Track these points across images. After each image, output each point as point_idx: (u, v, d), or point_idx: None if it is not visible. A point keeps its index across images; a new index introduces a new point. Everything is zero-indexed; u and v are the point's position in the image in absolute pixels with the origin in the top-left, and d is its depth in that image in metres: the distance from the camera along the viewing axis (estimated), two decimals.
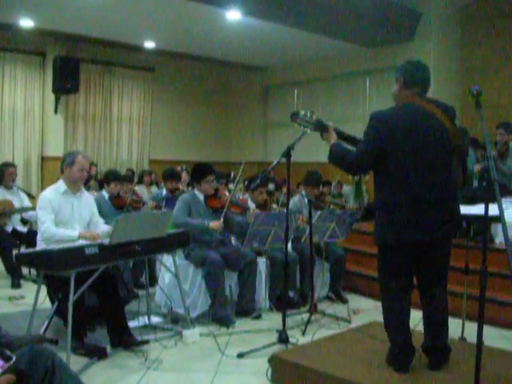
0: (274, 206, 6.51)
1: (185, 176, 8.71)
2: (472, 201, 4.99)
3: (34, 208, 6.76)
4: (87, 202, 4.94)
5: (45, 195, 4.68)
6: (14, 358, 2.30)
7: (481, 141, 7.43)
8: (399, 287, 3.54)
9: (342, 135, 3.83)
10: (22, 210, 7.03)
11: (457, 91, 10.52)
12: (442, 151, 3.41)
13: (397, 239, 3.42)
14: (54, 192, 4.70)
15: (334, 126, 3.85)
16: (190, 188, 7.05)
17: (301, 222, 5.96)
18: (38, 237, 4.69)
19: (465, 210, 4.43)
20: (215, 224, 5.33)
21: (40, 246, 4.59)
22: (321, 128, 3.85)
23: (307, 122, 3.89)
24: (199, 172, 5.65)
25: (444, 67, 10.51)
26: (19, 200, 7.13)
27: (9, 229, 6.91)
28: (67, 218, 4.68)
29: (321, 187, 6.68)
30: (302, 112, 3.90)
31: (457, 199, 3.55)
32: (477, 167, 6.82)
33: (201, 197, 5.60)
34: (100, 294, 4.50)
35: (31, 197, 7.51)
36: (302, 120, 3.90)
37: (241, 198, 6.44)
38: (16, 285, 6.51)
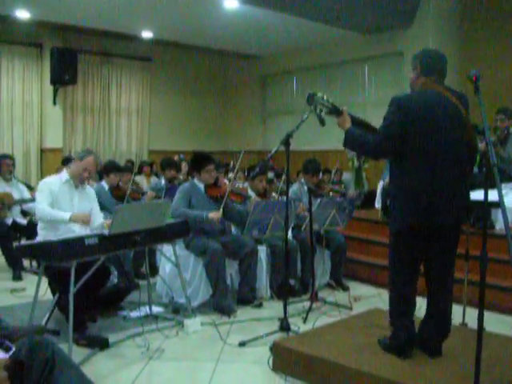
0: (274, 194, 6.50)
1: (184, 166, 8.71)
2: (472, 186, 4.98)
3: (33, 199, 6.79)
4: (88, 195, 5.04)
5: (45, 180, 4.90)
6: (13, 349, 2.30)
7: (480, 127, 7.40)
8: (411, 273, 3.58)
9: (355, 120, 3.81)
10: (22, 201, 7.03)
11: (456, 77, 10.47)
12: (458, 138, 3.44)
13: (416, 222, 3.43)
14: (56, 179, 4.88)
15: (348, 111, 3.83)
16: (189, 178, 7.04)
17: (301, 209, 5.95)
18: (38, 227, 4.76)
19: None
20: (214, 214, 5.31)
21: (40, 236, 4.64)
22: (335, 112, 3.82)
23: (323, 104, 3.84)
24: (199, 161, 5.64)
25: (444, 52, 10.44)
26: (19, 192, 7.13)
27: (9, 221, 6.91)
28: (65, 207, 4.75)
29: (320, 175, 6.67)
30: (319, 94, 3.85)
31: (468, 187, 3.58)
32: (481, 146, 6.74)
33: (201, 186, 5.59)
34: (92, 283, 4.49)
35: (31, 188, 7.51)
36: (317, 102, 3.85)
37: (241, 186, 6.43)
38: (17, 277, 6.52)
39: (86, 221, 4.73)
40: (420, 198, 3.39)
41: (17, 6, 9.60)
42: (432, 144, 3.39)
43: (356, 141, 3.64)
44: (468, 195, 3.57)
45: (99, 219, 4.97)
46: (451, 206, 3.42)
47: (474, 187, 4.77)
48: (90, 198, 5.02)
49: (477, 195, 4.11)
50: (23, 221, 7.10)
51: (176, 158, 9.06)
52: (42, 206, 4.69)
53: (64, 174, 4.89)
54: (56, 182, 4.83)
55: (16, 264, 6.64)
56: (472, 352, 2.80)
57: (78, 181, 4.87)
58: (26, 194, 7.23)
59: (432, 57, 3.59)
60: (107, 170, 6.49)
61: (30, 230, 6.62)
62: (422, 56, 3.59)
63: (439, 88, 3.49)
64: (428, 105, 3.42)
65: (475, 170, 6.84)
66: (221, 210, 5.36)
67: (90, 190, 5.14)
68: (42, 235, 4.70)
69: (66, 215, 4.66)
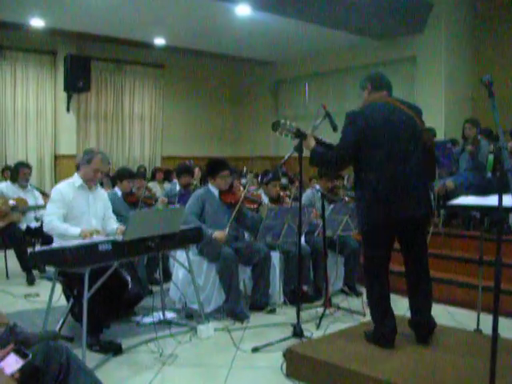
0: (288, 200, 6.49)
1: (198, 172, 8.73)
2: (485, 191, 4.96)
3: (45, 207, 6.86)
4: (102, 197, 5.00)
5: (58, 188, 4.74)
6: (29, 356, 2.31)
7: (494, 131, 7.39)
8: (383, 259, 3.95)
9: (320, 142, 4.13)
10: (36, 207, 7.09)
11: (469, 82, 10.44)
12: (413, 141, 3.80)
13: (382, 218, 3.75)
14: (69, 186, 4.76)
15: (313, 134, 4.18)
16: (203, 183, 7.06)
17: (314, 215, 5.94)
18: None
19: (478, 200, 4.41)
20: (219, 234, 5.27)
21: (57, 241, 4.61)
22: (300, 136, 4.19)
23: (288, 130, 4.23)
24: (214, 167, 5.64)
25: (455, 58, 10.43)
26: (34, 198, 7.22)
27: (23, 226, 6.98)
28: (82, 212, 4.71)
29: (334, 180, 6.65)
30: (282, 121, 4.23)
31: (428, 188, 4.02)
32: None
33: (215, 192, 5.60)
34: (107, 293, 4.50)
35: (45, 195, 7.57)
36: (283, 129, 4.23)
37: (254, 193, 6.43)
38: (31, 280, 6.62)
39: (97, 235, 4.56)
40: (380, 199, 3.72)
41: (31, 15, 9.70)
42: (386, 148, 3.75)
43: (319, 157, 4.00)
44: (430, 196, 4.01)
45: (113, 224, 4.98)
46: (412, 202, 3.74)
47: (489, 192, 4.75)
48: (103, 200, 4.99)
49: (491, 200, 4.09)
50: (37, 224, 7.15)
51: (187, 163, 9.09)
52: (50, 219, 4.57)
53: (77, 179, 4.78)
54: (70, 187, 4.73)
55: (29, 269, 6.70)
56: (487, 358, 2.78)
57: (92, 183, 4.82)
58: (41, 201, 7.30)
59: (379, 75, 4.15)
60: (120, 176, 6.52)
61: (45, 235, 6.69)
62: (370, 76, 4.12)
63: (389, 99, 3.91)
64: (380, 112, 3.81)
65: (489, 174, 6.84)
66: (226, 229, 5.33)
67: (103, 193, 5.09)
68: (59, 242, 4.67)
69: (77, 231, 4.51)
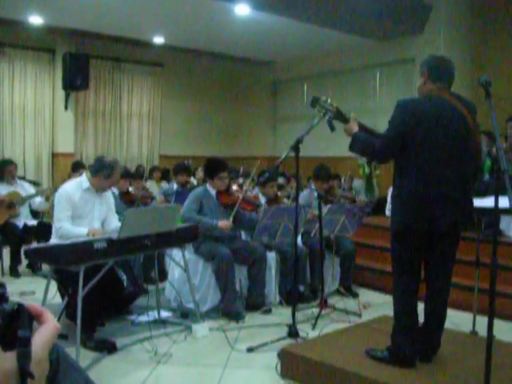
0: (285, 200, 6.49)
1: (200, 172, 8.71)
2: (483, 194, 4.95)
3: (38, 194, 6.95)
4: (108, 201, 5.00)
5: (65, 189, 4.72)
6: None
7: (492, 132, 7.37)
8: (412, 278, 3.54)
9: (362, 126, 3.77)
10: (29, 197, 7.05)
11: (468, 83, 10.44)
12: (461, 145, 3.44)
13: (415, 224, 3.43)
14: (76, 187, 4.74)
15: (356, 119, 3.81)
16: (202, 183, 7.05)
17: (311, 216, 5.93)
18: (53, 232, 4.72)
19: (476, 202, 4.40)
20: (224, 223, 5.30)
21: (53, 240, 4.60)
22: (340, 117, 3.80)
23: (327, 109, 3.82)
24: (213, 168, 5.63)
25: (455, 59, 10.37)
26: (24, 191, 7.17)
27: (20, 224, 6.96)
28: (86, 213, 4.71)
29: (331, 181, 6.65)
30: (323, 98, 3.84)
31: (471, 194, 3.60)
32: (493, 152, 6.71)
33: (213, 192, 5.59)
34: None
35: (37, 184, 7.59)
36: (321, 106, 3.83)
37: (252, 194, 6.41)
38: (15, 273, 6.85)
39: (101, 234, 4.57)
40: (420, 201, 3.40)
41: (30, 12, 9.67)
42: (434, 148, 3.39)
43: (362, 144, 3.66)
44: (471, 201, 3.57)
45: (115, 222, 4.95)
46: (451, 210, 3.42)
47: (486, 194, 4.74)
48: (109, 203, 5.00)
49: (488, 202, 4.08)
50: (34, 222, 7.14)
51: (186, 162, 9.08)
52: (59, 226, 4.55)
53: (84, 181, 4.74)
54: (77, 189, 4.69)
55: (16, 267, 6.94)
56: (482, 360, 2.78)
57: (102, 192, 4.84)
58: (31, 191, 7.27)
59: (439, 63, 3.60)
60: None
61: (41, 231, 6.69)
62: (429, 62, 3.61)
63: (446, 94, 3.48)
64: (433, 110, 3.42)
65: (487, 176, 6.83)
66: (231, 219, 5.35)
67: (108, 193, 5.09)
68: (56, 240, 4.65)
69: (84, 230, 4.54)
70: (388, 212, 8.09)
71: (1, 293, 0.84)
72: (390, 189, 8.19)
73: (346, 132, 3.76)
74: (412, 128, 3.40)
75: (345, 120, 3.78)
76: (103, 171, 4.72)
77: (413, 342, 3.54)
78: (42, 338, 0.85)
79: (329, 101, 3.81)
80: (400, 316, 3.58)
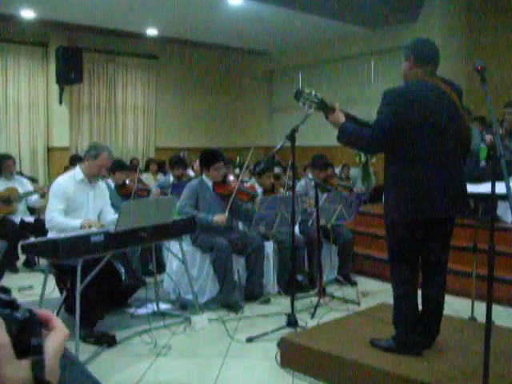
0: (282, 190, 6.48)
1: (197, 164, 8.69)
2: (480, 180, 4.95)
3: (35, 191, 6.95)
4: (102, 192, 4.96)
5: (59, 182, 4.68)
6: None
7: (487, 118, 7.37)
8: (411, 267, 3.52)
9: (350, 117, 3.68)
10: (26, 194, 7.03)
11: (463, 70, 10.42)
12: (453, 131, 3.41)
13: (415, 216, 3.38)
14: (70, 179, 4.71)
15: (341, 109, 3.70)
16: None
17: (308, 204, 5.92)
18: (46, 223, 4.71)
19: (472, 188, 4.40)
20: (219, 218, 5.29)
21: (50, 234, 4.58)
22: (324, 108, 3.71)
23: (311, 101, 3.75)
24: (208, 158, 5.61)
25: (449, 47, 10.40)
26: (22, 186, 7.15)
27: (17, 221, 6.94)
28: (81, 206, 4.69)
29: (328, 170, 6.64)
30: (307, 90, 3.77)
31: (465, 179, 3.57)
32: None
33: (209, 183, 5.57)
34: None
35: (35, 180, 7.56)
36: (305, 99, 3.77)
37: (248, 184, 6.41)
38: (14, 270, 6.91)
39: (96, 227, 4.52)
40: (421, 191, 3.34)
41: (21, 6, 9.60)
42: (428, 137, 3.34)
43: (351, 135, 3.52)
44: (465, 187, 3.54)
45: (111, 215, 4.93)
46: (451, 197, 3.39)
47: (482, 180, 4.74)
48: (103, 194, 4.96)
49: (484, 188, 4.08)
50: (30, 219, 7.12)
51: (181, 154, 9.06)
52: (51, 216, 4.51)
53: (78, 173, 4.72)
54: (70, 181, 4.67)
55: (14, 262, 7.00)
56: (481, 346, 2.78)
57: (94, 178, 4.78)
58: (29, 187, 7.24)
59: (425, 46, 3.50)
60: (113, 168, 6.47)
61: (38, 227, 6.67)
62: (414, 45, 3.52)
63: (437, 81, 3.44)
64: (423, 97, 3.36)
65: (483, 163, 6.83)
66: (226, 212, 5.34)
67: (103, 185, 5.06)
68: (53, 234, 4.62)
69: (77, 222, 4.50)
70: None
71: (11, 300, 0.84)
72: None
73: (332, 123, 3.66)
74: (405, 118, 3.33)
75: (330, 110, 3.66)
76: (90, 152, 4.72)
77: (417, 329, 3.54)
78: (54, 345, 0.86)
79: (313, 93, 3.73)
80: (402, 305, 3.56)
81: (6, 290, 0.86)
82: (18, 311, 0.83)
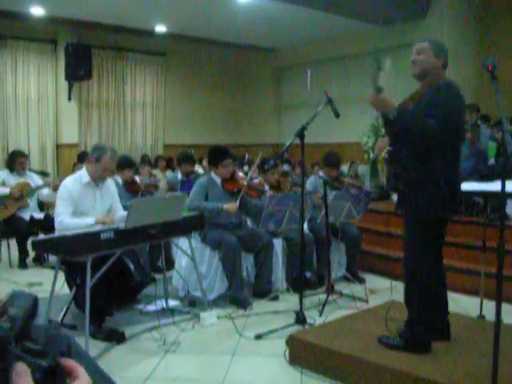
0: (295, 188, 6.48)
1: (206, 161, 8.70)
2: (489, 178, 4.93)
3: (46, 185, 7.04)
4: (109, 191, 4.94)
5: (66, 185, 4.66)
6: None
7: (497, 116, 7.33)
8: (436, 261, 3.60)
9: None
10: (37, 188, 7.09)
11: (472, 68, 10.37)
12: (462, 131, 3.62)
13: (444, 212, 3.50)
14: (76, 182, 4.69)
15: None
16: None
17: (317, 199, 5.90)
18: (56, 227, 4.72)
19: (482, 186, 4.39)
20: (230, 206, 5.31)
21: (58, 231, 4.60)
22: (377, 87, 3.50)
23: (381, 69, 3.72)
24: (217, 155, 5.62)
25: (458, 44, 10.35)
26: (33, 182, 7.20)
27: (27, 217, 6.99)
28: (88, 209, 4.68)
29: (340, 168, 6.63)
30: (388, 65, 3.75)
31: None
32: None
33: (218, 180, 5.58)
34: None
35: (45, 174, 7.66)
36: (384, 69, 3.78)
37: (257, 181, 6.42)
38: (23, 266, 6.95)
39: (109, 221, 4.54)
40: (452, 191, 3.43)
41: (31, 3, 9.63)
42: (458, 138, 3.50)
43: (411, 120, 3.33)
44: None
45: (120, 212, 4.93)
46: (461, 196, 3.61)
47: (493, 179, 4.72)
48: (110, 194, 4.95)
49: (494, 186, 4.06)
50: (40, 215, 7.17)
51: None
52: (60, 219, 4.49)
53: (84, 175, 4.70)
54: (76, 184, 4.65)
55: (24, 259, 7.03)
56: (490, 344, 2.78)
57: (100, 181, 4.77)
58: (40, 181, 7.31)
59: (446, 52, 3.58)
60: (120, 165, 6.47)
61: (48, 223, 6.71)
62: (445, 48, 3.59)
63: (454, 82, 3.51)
64: (461, 97, 3.43)
65: (492, 160, 6.81)
66: (237, 202, 5.36)
67: (111, 184, 5.03)
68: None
69: (91, 221, 4.50)
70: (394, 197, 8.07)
71: (39, 350, 0.87)
72: None
73: (380, 104, 3.44)
74: (456, 118, 3.38)
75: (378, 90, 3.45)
76: (94, 154, 4.70)
77: (429, 328, 3.56)
78: None
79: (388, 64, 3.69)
80: (423, 301, 3.55)
81: (43, 353, 0.89)
82: (45, 359, 0.86)
